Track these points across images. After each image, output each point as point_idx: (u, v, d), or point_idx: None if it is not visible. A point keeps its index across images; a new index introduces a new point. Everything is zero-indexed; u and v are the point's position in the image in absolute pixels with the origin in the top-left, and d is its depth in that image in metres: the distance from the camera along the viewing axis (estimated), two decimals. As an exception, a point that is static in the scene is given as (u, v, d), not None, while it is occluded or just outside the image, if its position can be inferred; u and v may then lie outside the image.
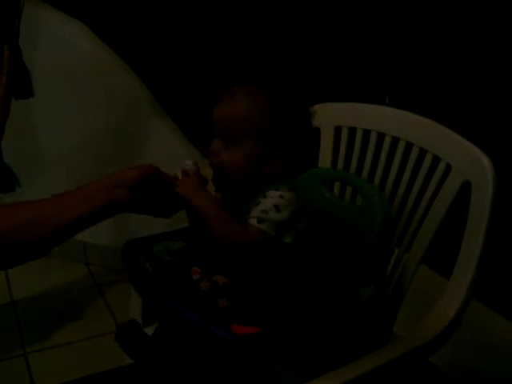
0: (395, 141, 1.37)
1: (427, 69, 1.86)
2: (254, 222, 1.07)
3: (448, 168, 1.24)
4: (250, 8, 2.10)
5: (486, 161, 1.17)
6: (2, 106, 1.77)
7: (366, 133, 1.43)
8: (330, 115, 1.49)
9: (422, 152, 1.31)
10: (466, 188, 1.21)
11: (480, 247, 1.16)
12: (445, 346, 1.20)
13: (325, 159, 1.50)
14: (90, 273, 2.58)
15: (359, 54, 2.00)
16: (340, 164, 1.46)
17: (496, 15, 1.66)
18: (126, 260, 1.17)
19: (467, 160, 1.21)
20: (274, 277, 1.08)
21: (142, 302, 1.36)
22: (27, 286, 2.41)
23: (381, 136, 1.40)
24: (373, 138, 1.41)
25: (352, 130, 1.45)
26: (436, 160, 1.27)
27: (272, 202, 1.09)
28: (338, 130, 1.48)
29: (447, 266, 1.22)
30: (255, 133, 1.12)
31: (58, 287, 2.45)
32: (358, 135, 1.44)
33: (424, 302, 1.24)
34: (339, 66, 2.04)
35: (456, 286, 1.19)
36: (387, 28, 1.91)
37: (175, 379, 1.11)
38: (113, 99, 2.37)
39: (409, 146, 1.34)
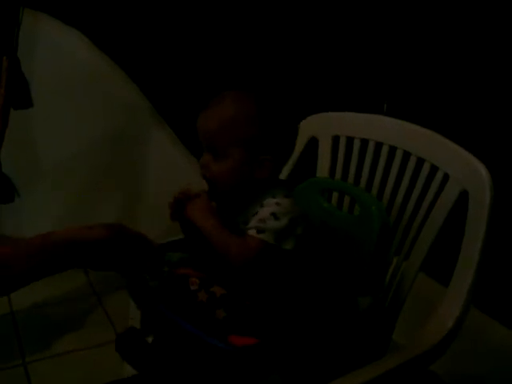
0: (393, 150, 1.37)
1: (425, 77, 1.87)
2: (253, 232, 1.08)
3: (446, 177, 1.25)
4: (248, 19, 2.11)
5: (483, 170, 1.18)
6: (1, 117, 1.77)
7: (364, 142, 1.43)
8: (327, 125, 1.50)
9: (420, 161, 1.31)
10: (463, 197, 1.22)
11: (478, 256, 1.16)
12: (445, 355, 1.20)
13: (323, 168, 1.50)
14: (89, 281, 2.57)
15: (357, 63, 2.01)
16: (338, 173, 1.46)
17: (494, 24, 1.66)
18: (124, 271, 1.17)
19: (465, 169, 1.21)
20: (274, 285, 1.08)
21: (140, 312, 1.36)
22: (26, 295, 2.40)
23: (378, 145, 1.40)
24: (370, 147, 1.42)
25: (350, 140, 1.45)
26: (434, 169, 1.28)
27: (270, 211, 1.09)
28: (335, 139, 1.48)
29: (447, 274, 1.22)
30: (242, 139, 1.11)
31: (58, 296, 2.45)
32: (356, 145, 1.44)
33: (424, 310, 1.24)
34: (337, 75, 2.04)
35: (454, 295, 1.19)
36: (385, 36, 1.91)
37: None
38: (111, 108, 2.37)
39: (406, 155, 1.34)
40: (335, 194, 1.46)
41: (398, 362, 1.13)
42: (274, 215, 1.09)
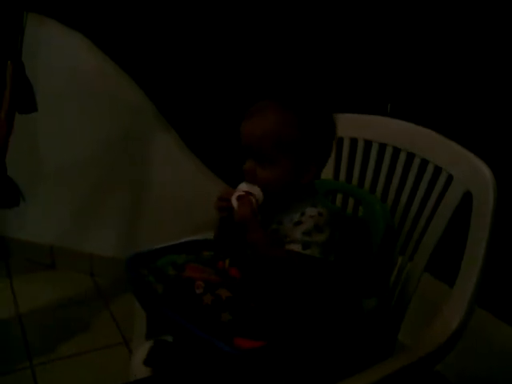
0: (396, 151, 1.37)
1: (429, 78, 1.87)
2: (299, 248, 1.08)
3: (449, 178, 1.25)
4: (252, 23, 2.11)
5: (486, 171, 1.18)
6: (6, 121, 1.78)
7: (368, 143, 1.43)
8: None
9: (424, 162, 1.31)
10: (467, 198, 1.22)
11: (482, 256, 1.17)
12: (451, 355, 1.20)
13: (327, 170, 1.50)
14: (95, 284, 2.58)
15: (361, 64, 2.01)
16: (342, 175, 1.46)
17: (497, 26, 1.66)
18: (129, 274, 1.17)
19: (468, 171, 1.21)
20: (303, 293, 1.09)
21: (146, 315, 1.36)
22: (33, 298, 2.42)
23: (382, 147, 1.40)
24: (374, 148, 1.42)
25: (354, 141, 1.46)
26: (437, 171, 1.28)
27: (313, 222, 1.10)
28: (339, 140, 1.48)
29: (452, 275, 1.22)
30: (289, 146, 1.12)
31: (64, 299, 2.46)
32: (360, 146, 1.45)
33: (429, 311, 1.24)
34: (341, 76, 2.04)
35: (459, 295, 1.20)
36: (389, 37, 1.91)
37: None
38: (115, 111, 2.38)
39: (410, 156, 1.34)
40: (339, 196, 1.46)
41: (403, 363, 1.13)
42: (318, 227, 1.10)
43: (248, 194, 1.10)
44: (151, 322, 1.38)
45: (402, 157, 1.36)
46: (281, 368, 1.04)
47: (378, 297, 1.27)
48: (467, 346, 1.35)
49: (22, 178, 1.95)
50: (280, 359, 1.01)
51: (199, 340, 0.97)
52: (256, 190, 1.10)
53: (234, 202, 1.10)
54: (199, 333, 0.96)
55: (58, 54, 2.33)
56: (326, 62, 2.07)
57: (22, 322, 2.28)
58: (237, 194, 1.10)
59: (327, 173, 1.50)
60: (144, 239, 2.47)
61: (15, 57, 1.77)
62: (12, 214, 2.11)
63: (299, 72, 2.13)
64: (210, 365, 1.02)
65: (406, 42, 1.88)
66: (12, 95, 1.76)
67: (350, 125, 1.46)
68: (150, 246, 1.28)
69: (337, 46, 2.03)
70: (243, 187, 1.12)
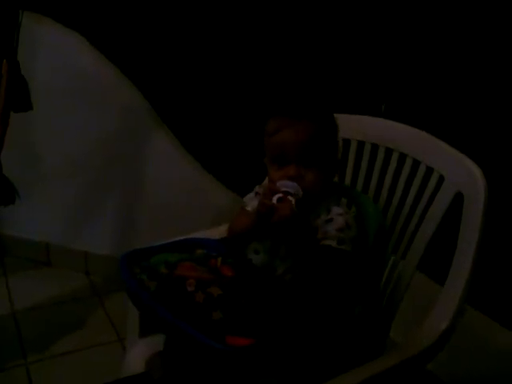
0: (389, 152, 1.38)
1: (423, 79, 1.88)
2: (334, 243, 1.13)
3: (441, 179, 1.26)
4: (247, 21, 2.12)
5: (477, 172, 1.19)
6: (2, 120, 1.78)
7: (360, 144, 1.44)
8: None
9: (416, 163, 1.32)
10: (459, 198, 1.23)
11: (472, 256, 1.18)
12: (443, 354, 1.21)
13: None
14: (90, 282, 2.59)
15: (355, 64, 2.02)
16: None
17: (492, 27, 1.67)
18: (122, 272, 1.18)
19: (460, 172, 1.23)
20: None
21: (139, 313, 1.37)
22: (28, 296, 2.42)
23: (374, 147, 1.41)
24: (367, 149, 1.43)
25: (346, 142, 1.47)
26: (429, 171, 1.29)
27: (343, 220, 1.17)
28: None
29: (444, 274, 1.23)
30: (328, 148, 1.21)
31: (59, 297, 2.46)
32: (353, 147, 1.46)
33: (421, 309, 1.25)
34: (335, 76, 2.05)
35: (449, 296, 1.21)
36: (383, 37, 1.92)
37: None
38: (110, 110, 2.38)
39: (402, 157, 1.35)
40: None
41: (393, 362, 1.14)
42: (348, 225, 1.17)
43: (287, 193, 1.13)
44: (145, 320, 1.38)
45: (394, 157, 1.37)
46: (272, 365, 1.05)
47: (363, 304, 1.28)
48: (459, 345, 1.36)
49: (17, 176, 1.96)
50: (271, 357, 1.02)
51: (191, 338, 0.97)
52: (295, 188, 1.14)
53: (275, 202, 1.13)
54: (191, 331, 0.97)
55: (54, 52, 2.33)
56: (320, 62, 2.08)
57: (16, 320, 2.29)
58: (277, 196, 1.13)
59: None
60: (139, 237, 2.47)
61: (10, 55, 1.77)
62: (7, 212, 2.11)
63: (294, 71, 2.13)
64: (202, 363, 1.03)
65: (401, 43, 1.88)
66: (7, 94, 1.77)
67: (343, 126, 1.46)
68: (145, 245, 1.28)
69: (331, 47, 2.04)
70: (282, 185, 1.15)
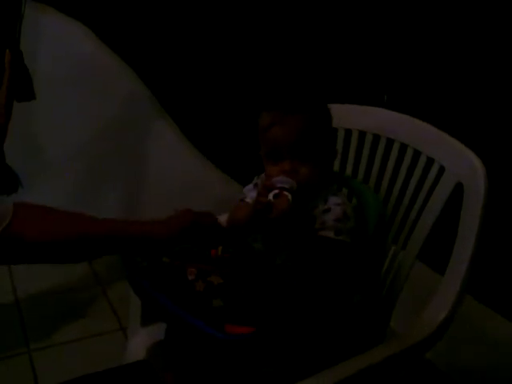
0: (390, 142, 1.39)
1: (424, 69, 1.88)
2: (331, 234, 1.14)
3: (441, 169, 1.26)
4: (247, 12, 2.12)
5: (477, 163, 1.19)
6: (5, 109, 1.78)
7: (362, 134, 1.45)
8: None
9: (416, 153, 1.33)
10: (459, 188, 1.23)
11: (472, 246, 1.18)
12: (441, 343, 1.22)
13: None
14: (93, 271, 2.60)
15: (357, 54, 2.02)
16: (335, 165, 1.48)
17: (493, 18, 1.67)
18: (124, 261, 1.19)
19: (460, 162, 1.23)
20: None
21: (141, 302, 1.38)
22: (31, 284, 2.43)
23: (376, 137, 1.42)
24: (368, 139, 1.43)
25: (348, 132, 1.47)
26: (430, 162, 1.29)
27: (342, 210, 1.16)
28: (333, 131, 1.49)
29: (444, 264, 1.24)
30: (323, 140, 1.20)
31: (62, 286, 2.47)
32: (354, 137, 1.46)
33: (421, 299, 1.26)
34: (337, 66, 2.05)
35: (449, 284, 1.21)
36: (385, 28, 1.92)
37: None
38: (114, 100, 2.39)
39: (403, 147, 1.36)
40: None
41: (392, 351, 1.15)
42: (346, 215, 1.16)
43: (282, 189, 1.12)
44: (147, 310, 1.39)
45: (395, 147, 1.37)
46: (272, 354, 1.05)
47: (362, 293, 1.29)
48: (457, 335, 1.37)
49: (21, 165, 1.96)
50: (271, 345, 1.02)
51: (191, 326, 0.98)
52: (289, 183, 1.13)
53: (271, 199, 1.12)
54: (191, 319, 0.98)
55: (57, 42, 2.33)
56: (322, 53, 2.08)
57: (20, 308, 2.30)
58: (273, 192, 1.12)
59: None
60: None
61: (13, 45, 1.77)
62: (10, 202, 2.11)
63: (295, 62, 2.13)
64: (203, 352, 1.04)
65: (403, 33, 1.88)
66: (10, 83, 1.77)
67: (345, 115, 1.47)
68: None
69: (333, 38, 2.04)
70: (277, 182, 1.14)
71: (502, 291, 1.74)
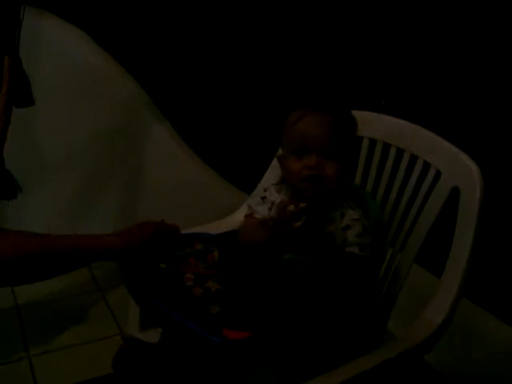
0: (387, 147, 1.39)
1: (422, 74, 1.88)
2: (355, 250, 1.15)
3: (438, 174, 1.27)
4: (244, 14, 2.13)
5: (473, 167, 1.20)
6: (4, 115, 1.79)
7: (358, 139, 1.45)
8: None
9: (413, 158, 1.33)
10: (455, 193, 1.24)
11: (469, 248, 1.19)
12: (439, 345, 1.22)
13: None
14: (92, 277, 2.59)
15: (355, 58, 2.02)
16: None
17: (488, 21, 1.68)
18: (122, 267, 1.19)
19: (456, 166, 1.24)
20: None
21: (139, 308, 1.39)
22: (31, 289, 2.42)
23: (372, 142, 1.42)
24: (365, 144, 1.44)
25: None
26: (426, 166, 1.30)
27: (361, 225, 1.17)
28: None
29: (441, 267, 1.24)
30: (346, 145, 1.19)
31: (62, 291, 2.46)
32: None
33: (419, 301, 1.27)
34: (335, 71, 2.06)
35: (447, 287, 1.22)
36: (383, 32, 1.93)
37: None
38: (112, 106, 2.38)
39: (400, 152, 1.36)
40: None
41: (390, 355, 1.15)
42: (366, 229, 1.17)
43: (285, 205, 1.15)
44: (145, 314, 1.40)
45: (392, 152, 1.38)
46: (269, 358, 1.06)
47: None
48: (456, 337, 1.38)
49: (20, 171, 1.97)
50: (268, 350, 1.03)
51: (188, 331, 0.98)
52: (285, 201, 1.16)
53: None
54: (188, 324, 0.98)
55: (55, 47, 2.33)
56: (320, 58, 2.08)
57: (20, 314, 2.30)
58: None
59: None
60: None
61: (12, 51, 1.78)
62: (9, 207, 2.12)
63: (294, 66, 2.14)
64: (199, 355, 1.04)
65: (400, 38, 1.89)
66: (9, 89, 1.77)
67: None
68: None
69: (331, 42, 2.04)
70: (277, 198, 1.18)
71: (499, 294, 1.75)
